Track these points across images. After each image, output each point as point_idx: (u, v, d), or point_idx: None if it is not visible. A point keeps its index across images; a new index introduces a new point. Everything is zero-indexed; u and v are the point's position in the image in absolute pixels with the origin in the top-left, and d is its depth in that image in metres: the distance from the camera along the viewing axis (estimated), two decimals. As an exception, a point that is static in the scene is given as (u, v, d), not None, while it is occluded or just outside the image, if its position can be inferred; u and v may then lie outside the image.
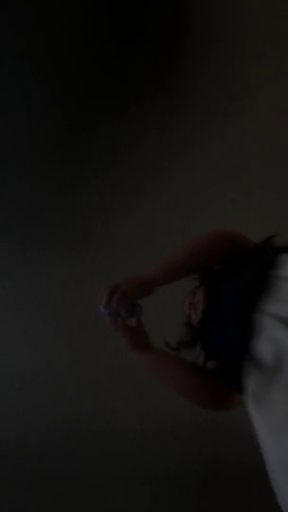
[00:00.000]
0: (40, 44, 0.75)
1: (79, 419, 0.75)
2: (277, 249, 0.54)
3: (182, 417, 0.74)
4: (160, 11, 0.75)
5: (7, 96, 0.76)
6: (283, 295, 0.47)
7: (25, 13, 0.73)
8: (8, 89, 0.76)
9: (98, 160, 0.75)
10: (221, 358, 0.54)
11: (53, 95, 0.74)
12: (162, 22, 0.74)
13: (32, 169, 0.75)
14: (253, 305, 0.48)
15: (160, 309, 0.75)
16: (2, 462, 0.76)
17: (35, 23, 0.74)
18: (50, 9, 0.73)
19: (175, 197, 0.75)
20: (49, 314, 0.75)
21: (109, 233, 0.75)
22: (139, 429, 0.74)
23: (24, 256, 0.75)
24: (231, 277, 0.53)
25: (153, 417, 0.76)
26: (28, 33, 0.74)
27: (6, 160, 0.76)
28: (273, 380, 0.46)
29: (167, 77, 0.74)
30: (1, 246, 0.79)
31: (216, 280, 0.55)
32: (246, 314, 0.48)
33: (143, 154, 0.75)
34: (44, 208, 0.75)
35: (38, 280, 0.75)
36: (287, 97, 0.80)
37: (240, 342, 0.48)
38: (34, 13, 0.74)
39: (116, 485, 0.74)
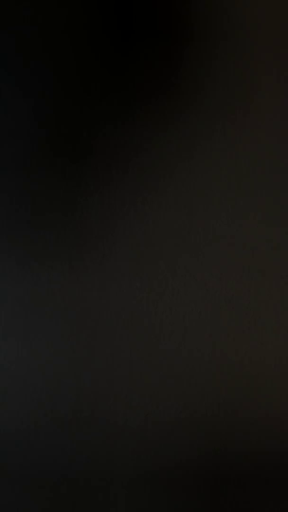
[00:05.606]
0: (39, 44, 0.75)
1: (79, 418, 0.75)
2: None
3: (182, 416, 0.74)
4: (164, 12, 0.75)
5: (5, 94, 0.76)
6: None
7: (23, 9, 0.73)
8: (6, 88, 0.76)
9: (98, 160, 0.75)
10: None
11: (53, 94, 0.74)
12: (165, 23, 0.74)
13: (31, 168, 0.75)
14: None
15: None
16: (1, 462, 0.77)
17: (33, 17, 0.74)
18: (50, 4, 0.73)
19: (176, 198, 0.75)
20: (49, 314, 0.75)
21: (109, 233, 0.75)
22: (139, 429, 0.75)
23: (23, 255, 0.75)
24: None
25: (153, 417, 0.76)
26: (26, 28, 0.74)
27: (5, 159, 0.76)
28: None
29: (170, 78, 0.75)
30: None
31: None
32: None
33: (144, 154, 0.75)
34: (43, 208, 0.76)
35: (37, 280, 0.75)
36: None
37: None
38: (32, 9, 0.74)
39: (116, 484, 0.74)
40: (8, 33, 0.75)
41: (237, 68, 0.75)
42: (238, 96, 0.76)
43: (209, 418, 0.72)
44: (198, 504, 0.71)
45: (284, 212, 0.74)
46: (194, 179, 0.75)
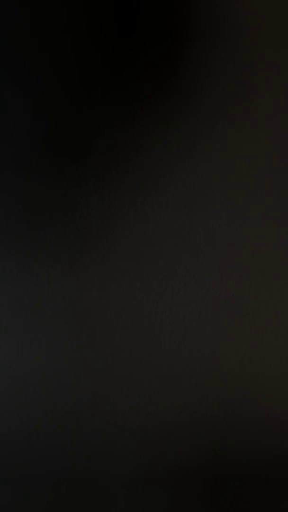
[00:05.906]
0: (39, 44, 0.75)
1: (79, 418, 0.75)
2: None
3: (182, 416, 0.74)
4: (163, 12, 0.75)
5: (4, 94, 0.76)
6: None
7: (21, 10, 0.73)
8: (5, 88, 0.76)
9: (98, 160, 0.75)
10: None
11: (53, 94, 0.74)
12: (165, 22, 0.74)
13: (31, 168, 0.75)
14: None
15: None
16: (1, 462, 0.76)
17: (33, 17, 0.74)
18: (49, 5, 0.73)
19: (176, 198, 0.75)
20: (49, 314, 0.75)
21: (109, 233, 0.75)
22: (139, 429, 0.74)
23: (23, 255, 0.75)
24: None
25: (153, 417, 0.76)
26: (26, 28, 0.74)
27: (5, 159, 0.76)
28: None
29: (170, 78, 0.74)
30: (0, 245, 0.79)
31: None
32: None
33: (144, 154, 0.75)
34: (43, 208, 0.75)
35: (37, 280, 0.75)
36: None
37: None
38: (31, 10, 0.74)
39: (116, 484, 0.74)
40: (8, 33, 0.75)
41: (237, 68, 0.75)
42: (238, 96, 0.76)
43: (209, 418, 0.72)
44: (198, 504, 0.71)
45: (284, 212, 0.74)
46: (194, 179, 0.75)
